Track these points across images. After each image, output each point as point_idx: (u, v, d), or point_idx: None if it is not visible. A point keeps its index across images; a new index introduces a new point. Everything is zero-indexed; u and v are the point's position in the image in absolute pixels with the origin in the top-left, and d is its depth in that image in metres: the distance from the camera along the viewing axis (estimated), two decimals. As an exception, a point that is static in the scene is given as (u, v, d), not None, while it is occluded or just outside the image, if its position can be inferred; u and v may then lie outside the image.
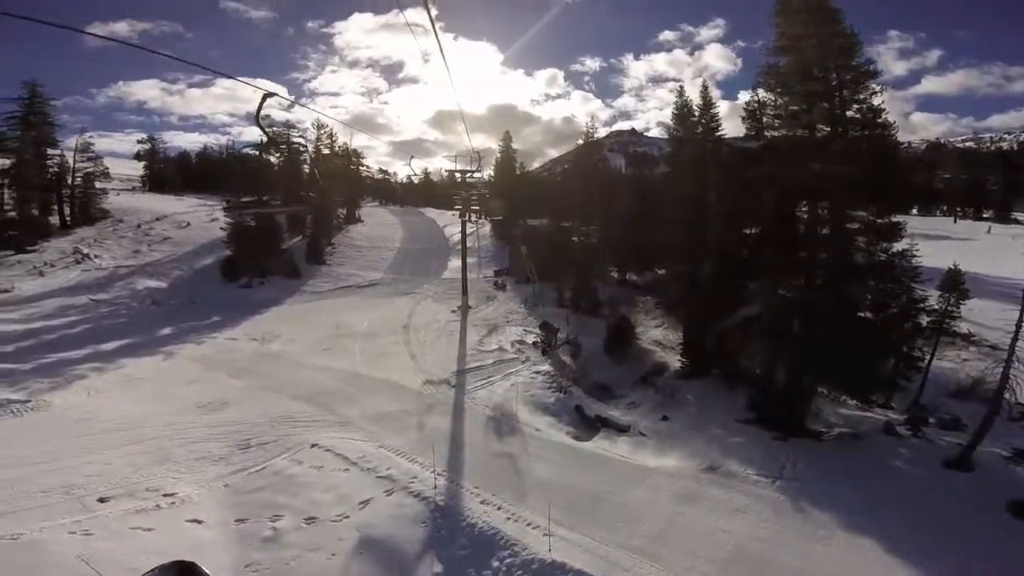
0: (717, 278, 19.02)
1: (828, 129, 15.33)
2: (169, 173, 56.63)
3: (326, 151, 42.40)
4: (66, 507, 8.54)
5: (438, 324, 24.42)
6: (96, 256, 35.90)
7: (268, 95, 4.56)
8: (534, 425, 14.23)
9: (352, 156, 46.80)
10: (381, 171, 62.41)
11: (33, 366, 17.16)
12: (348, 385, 16.34)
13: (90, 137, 45.17)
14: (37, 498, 8.72)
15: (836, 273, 14.58)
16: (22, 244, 35.04)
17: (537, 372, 18.16)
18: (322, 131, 41.80)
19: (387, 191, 60.36)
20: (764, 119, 17.72)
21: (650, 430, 15.28)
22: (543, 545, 8.48)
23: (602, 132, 77.32)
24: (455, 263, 34.34)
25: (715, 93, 25.03)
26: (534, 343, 21.63)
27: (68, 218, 40.48)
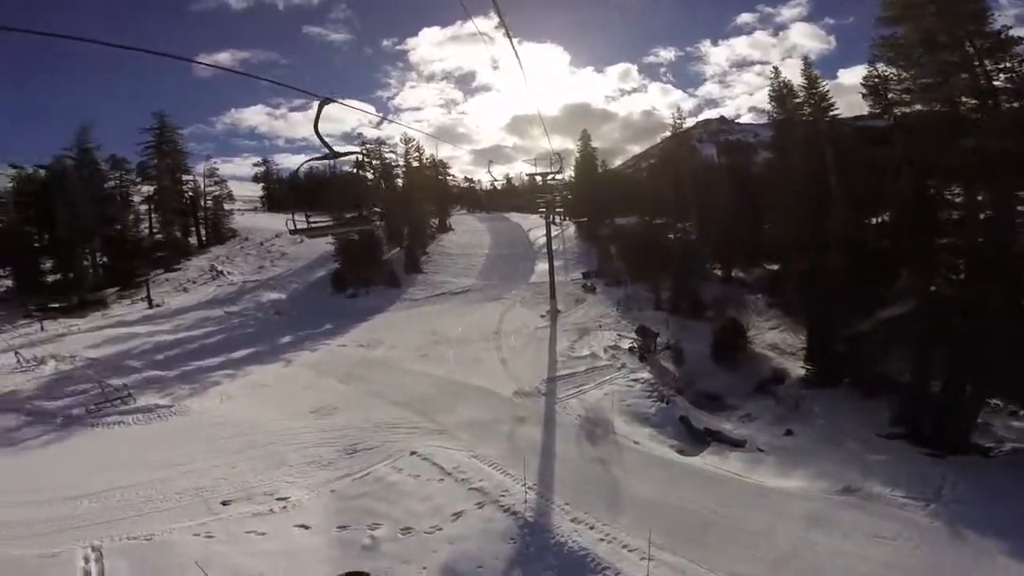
0: (844, 273, 16.69)
1: (975, 102, 13.02)
2: (282, 192, 63.00)
3: (415, 163, 44.42)
4: (194, 509, 9.51)
5: (527, 330, 24.27)
6: (228, 272, 40.85)
7: (325, 101, 4.46)
8: (632, 437, 13.40)
9: (439, 167, 48.62)
10: (467, 179, 64.15)
11: (177, 373, 19.69)
12: (444, 392, 16.68)
13: (214, 162, 51.42)
14: (173, 499, 9.84)
15: (1003, 264, 12.12)
16: (169, 263, 40.89)
17: (635, 380, 17.16)
18: (410, 145, 43.91)
19: (473, 198, 62.07)
20: (890, 95, 15.45)
21: (770, 446, 13.72)
22: (640, 570, 7.78)
23: (689, 122, 73.01)
24: (542, 266, 34.05)
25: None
26: (630, 348, 20.54)
27: (203, 238, 46.46)
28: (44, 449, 12.88)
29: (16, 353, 20.41)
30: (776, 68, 23.75)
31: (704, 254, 30.54)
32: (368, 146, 38.13)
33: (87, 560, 7.91)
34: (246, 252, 44.87)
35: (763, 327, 23.86)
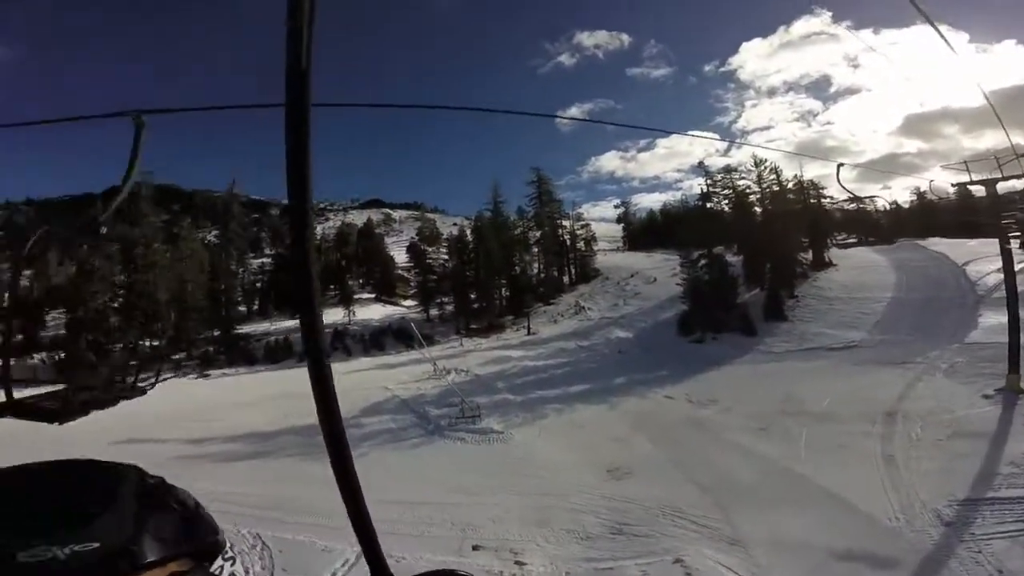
0: None
1: None
2: (640, 232, 66.11)
3: (774, 187, 37.94)
4: (448, 545, 9.87)
5: (950, 415, 15.91)
6: (589, 308, 45.35)
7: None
8: None
9: (808, 189, 39.87)
10: (853, 199, 50.23)
11: (522, 400, 22.43)
12: (771, 484, 12.47)
13: (582, 207, 58.81)
14: (446, 527, 10.57)
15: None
16: (547, 298, 48.71)
17: None
18: (761, 167, 37.92)
19: (864, 224, 47.90)
20: None
21: None
22: None
23: None
24: (991, 320, 22.39)
25: None
26: None
27: (573, 277, 53.35)
28: (409, 452, 16.71)
29: (434, 364, 28.23)
30: None
31: None
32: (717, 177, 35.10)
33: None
34: (605, 290, 48.97)
35: None
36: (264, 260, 59.18)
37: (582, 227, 56.01)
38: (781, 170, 39.18)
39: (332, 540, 10.37)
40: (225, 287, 42.79)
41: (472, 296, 45.81)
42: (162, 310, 38.38)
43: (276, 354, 36.98)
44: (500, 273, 46.34)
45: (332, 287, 52.61)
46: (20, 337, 41.80)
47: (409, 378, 27.26)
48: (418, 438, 17.98)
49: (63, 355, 36.58)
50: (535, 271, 53.88)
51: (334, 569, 9.41)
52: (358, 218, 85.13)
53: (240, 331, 41.82)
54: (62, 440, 17.81)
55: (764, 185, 38.79)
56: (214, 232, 59.04)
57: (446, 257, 52.39)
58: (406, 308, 51.39)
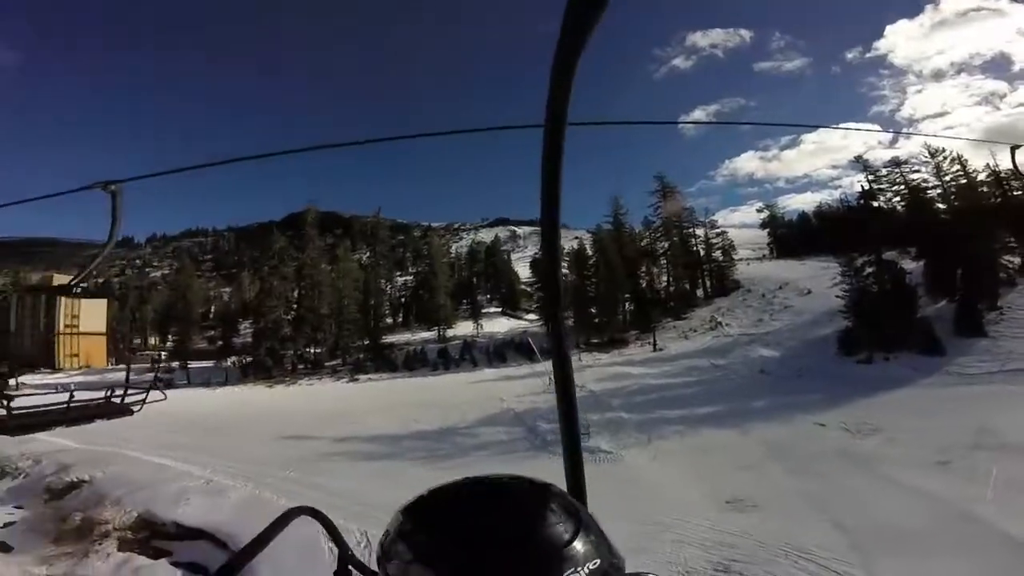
0: None
1: None
2: (791, 237, 58.57)
3: (961, 180, 30.89)
4: None
5: None
6: (727, 324, 41.52)
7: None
8: None
9: (1005, 179, 31.70)
10: None
11: (639, 419, 21.17)
12: (931, 528, 9.89)
13: (717, 214, 54.15)
14: None
15: None
16: (677, 312, 45.73)
17: None
18: (938, 157, 31.07)
19: None
20: None
21: None
22: None
23: None
24: None
25: None
26: None
27: (708, 289, 49.31)
28: (515, 465, 16.58)
29: (549, 378, 28.08)
30: None
31: None
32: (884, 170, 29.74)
33: None
34: (747, 304, 44.51)
35: None
36: (407, 277, 65.36)
37: (717, 235, 51.71)
38: (966, 160, 32.03)
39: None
40: (374, 302, 48.03)
41: (592, 310, 44.94)
42: (324, 322, 44.47)
43: (412, 363, 40.33)
44: (622, 287, 44.85)
45: (463, 301, 55.97)
46: (220, 343, 51.89)
47: (525, 391, 27.52)
48: (525, 452, 17.94)
49: (248, 359, 44.28)
50: (664, 284, 51.18)
51: None
52: (487, 236, 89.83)
53: (386, 341, 46.52)
54: (245, 434, 21.49)
55: (946, 178, 31.95)
56: (367, 253, 66.89)
57: (567, 272, 52.43)
58: (528, 322, 52.39)
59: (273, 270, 44.80)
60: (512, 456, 17.39)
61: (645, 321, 44.33)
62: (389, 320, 54.07)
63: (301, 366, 42.99)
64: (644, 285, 48.67)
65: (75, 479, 16.47)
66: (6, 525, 13.41)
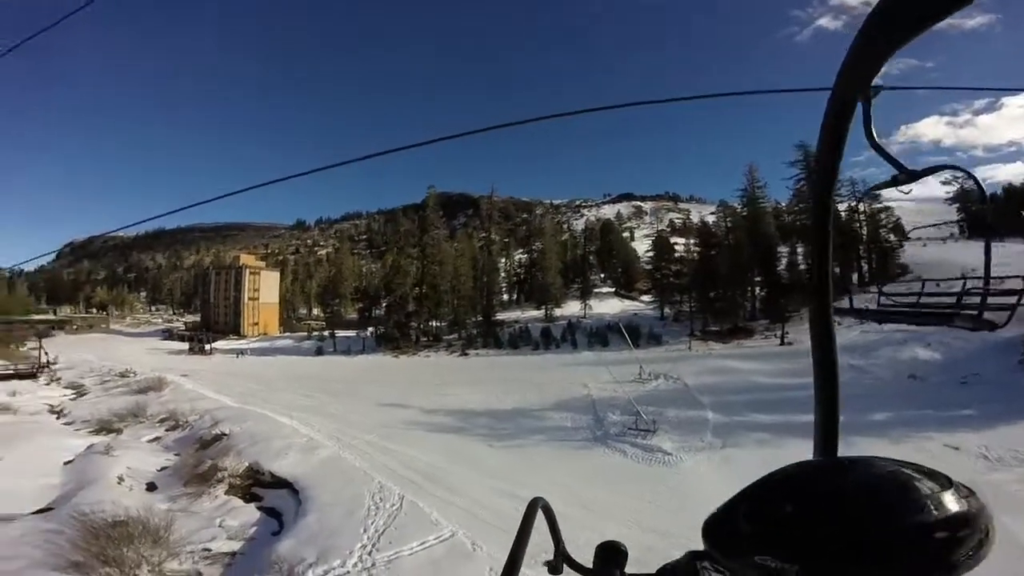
0: None
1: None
2: (994, 214, 46.55)
3: None
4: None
5: None
6: (879, 317, 35.49)
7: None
8: None
9: None
10: None
11: (725, 421, 19.60)
12: None
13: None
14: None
15: None
16: (821, 302, 40.00)
17: None
18: None
19: None
20: None
21: None
22: None
23: None
24: None
25: None
26: None
27: (865, 275, 42.12)
28: (564, 452, 16.73)
29: (640, 367, 27.20)
30: None
31: None
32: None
33: None
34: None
35: None
36: (526, 256, 67.15)
37: (881, 211, 43.70)
38: None
39: (445, 515, 11.93)
40: (487, 280, 50.67)
41: (712, 295, 41.62)
42: (443, 298, 48.37)
43: (516, 341, 42.02)
44: (751, 269, 40.63)
45: (577, 280, 55.95)
46: (364, 315, 59.35)
47: (612, 378, 27.11)
48: (582, 441, 17.98)
49: (382, 329, 50.22)
50: (808, 267, 44.98)
51: (427, 539, 10.82)
52: (610, 212, 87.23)
53: (497, 318, 49.02)
54: (355, 398, 24.92)
55: None
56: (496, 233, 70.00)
57: (698, 250, 48.84)
58: (643, 304, 50.39)
59: (400, 250, 49.88)
60: (563, 445, 17.61)
61: (778, 309, 39.82)
62: (505, 297, 56.47)
63: (424, 339, 47.55)
64: (783, 268, 43.40)
65: (219, 432, 21.00)
66: (161, 469, 17.84)
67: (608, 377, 27.32)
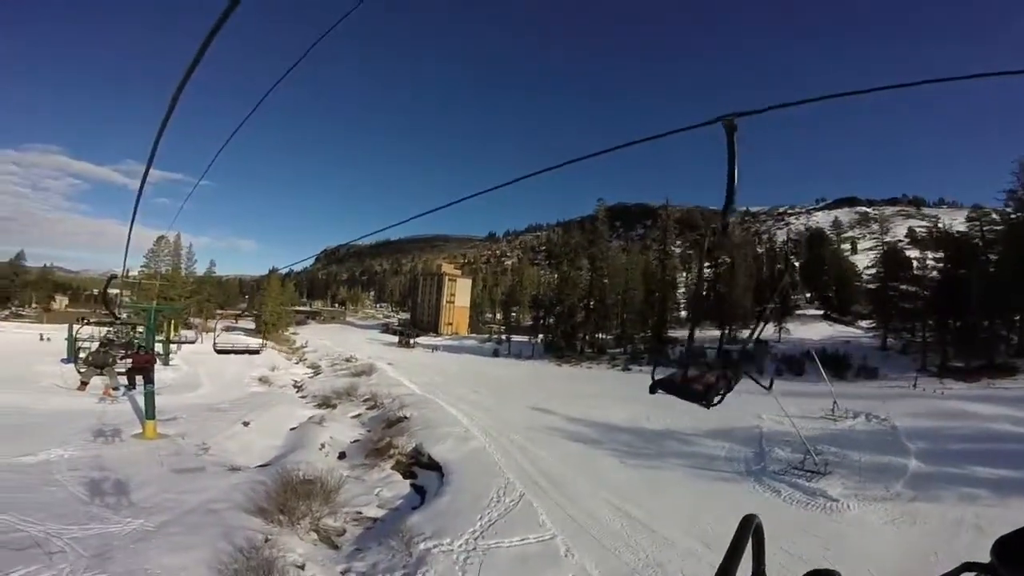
0: None
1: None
2: None
3: None
4: None
5: None
6: None
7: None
8: None
9: None
10: None
11: (929, 471, 15.48)
12: None
13: None
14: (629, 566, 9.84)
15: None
16: None
17: None
18: None
19: None
20: None
21: None
22: None
23: None
24: None
25: None
26: None
27: None
28: (700, 483, 15.15)
29: (834, 401, 23.05)
30: None
31: None
32: None
33: None
34: None
35: None
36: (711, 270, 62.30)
37: None
38: None
39: (553, 518, 12.29)
40: (659, 295, 48.64)
41: (957, 324, 32.81)
42: (611, 311, 48.12)
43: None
44: (1017, 291, 31.05)
45: (775, 299, 49.56)
46: (539, 323, 62.34)
47: (796, 411, 23.61)
48: (730, 473, 16.14)
49: (551, 337, 52.07)
50: None
51: (528, 537, 11.27)
52: (824, 220, 73.99)
53: (669, 336, 46.62)
54: (515, 399, 27.46)
55: None
56: (678, 245, 66.90)
57: (940, 266, 39.30)
58: (860, 330, 41.99)
59: (571, 262, 51.26)
60: (704, 473, 16.13)
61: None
62: (682, 315, 53.35)
63: (589, 350, 47.93)
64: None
65: (403, 415, 24.70)
66: (354, 441, 21.77)
67: (794, 410, 23.85)
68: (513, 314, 71.95)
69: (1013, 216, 34.74)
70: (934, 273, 38.00)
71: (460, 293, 79.48)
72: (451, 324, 76.73)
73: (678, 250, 59.88)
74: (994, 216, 36.41)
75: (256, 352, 35.48)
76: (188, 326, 51.02)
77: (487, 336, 61.19)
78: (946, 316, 34.51)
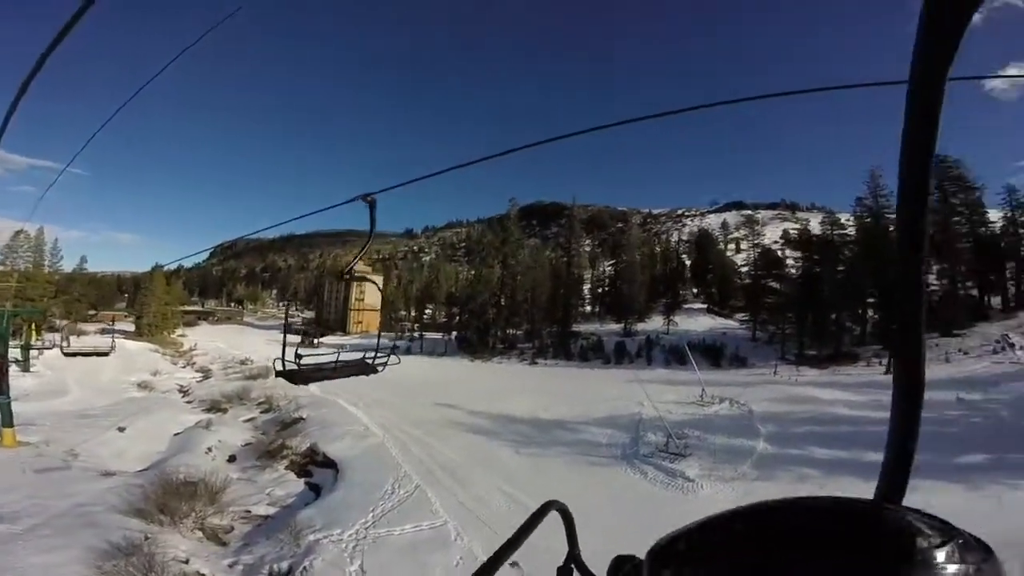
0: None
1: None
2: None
3: None
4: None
5: None
6: (1021, 348, 30.48)
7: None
8: None
9: None
10: None
11: (775, 453, 18.42)
12: None
13: None
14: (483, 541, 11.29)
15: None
16: (950, 327, 34.96)
17: None
18: None
19: None
20: None
21: None
22: None
23: None
24: None
25: None
26: None
27: (1011, 299, 36.14)
28: (580, 468, 16.98)
29: (703, 389, 26.28)
30: None
31: None
32: None
33: None
34: (1071, 321, 31.61)
35: None
36: (609, 268, 66.79)
37: None
38: None
39: (445, 505, 13.38)
40: (563, 291, 51.51)
41: (812, 316, 38.34)
42: (520, 308, 50.16)
43: (587, 354, 42.27)
44: (863, 288, 36.86)
45: (666, 295, 54.39)
46: (452, 320, 63.22)
47: (674, 399, 26.61)
48: (608, 458, 18.22)
49: (465, 333, 53.22)
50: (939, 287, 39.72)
51: (420, 524, 12.28)
52: (715, 222, 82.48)
53: (573, 330, 49.61)
54: (419, 396, 27.73)
55: None
56: (586, 242, 70.58)
57: (799, 265, 45.36)
58: (737, 322, 47.52)
59: (483, 260, 52.70)
60: (586, 459, 18.04)
61: (892, 334, 35.57)
62: (587, 309, 56.72)
63: (500, 345, 49.65)
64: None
65: (298, 416, 24.48)
66: (245, 444, 21.39)
67: (672, 397, 26.80)
68: (428, 311, 72.07)
69: (866, 219, 41.04)
70: (793, 271, 43.91)
71: (371, 290, 77.97)
72: (360, 323, 75.16)
73: (587, 248, 63.40)
74: (842, 220, 42.72)
75: (106, 354, 33.10)
76: (53, 329, 45.95)
77: (399, 334, 60.98)
78: (804, 310, 40.08)
